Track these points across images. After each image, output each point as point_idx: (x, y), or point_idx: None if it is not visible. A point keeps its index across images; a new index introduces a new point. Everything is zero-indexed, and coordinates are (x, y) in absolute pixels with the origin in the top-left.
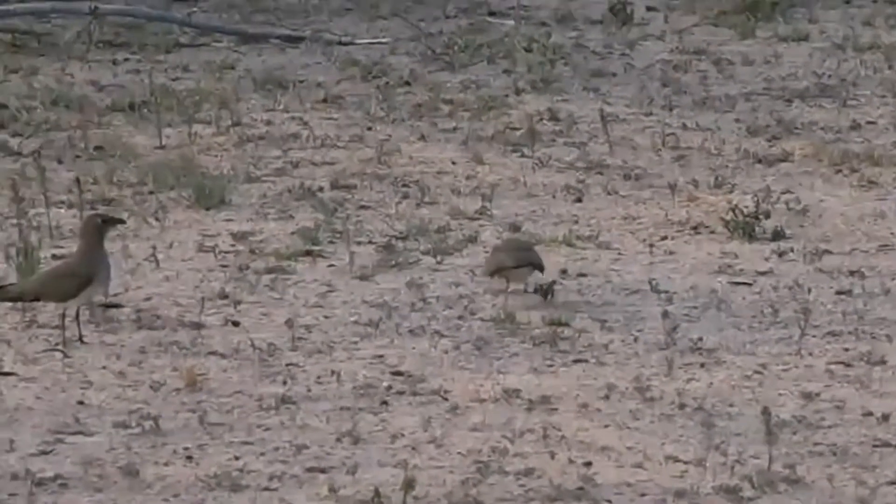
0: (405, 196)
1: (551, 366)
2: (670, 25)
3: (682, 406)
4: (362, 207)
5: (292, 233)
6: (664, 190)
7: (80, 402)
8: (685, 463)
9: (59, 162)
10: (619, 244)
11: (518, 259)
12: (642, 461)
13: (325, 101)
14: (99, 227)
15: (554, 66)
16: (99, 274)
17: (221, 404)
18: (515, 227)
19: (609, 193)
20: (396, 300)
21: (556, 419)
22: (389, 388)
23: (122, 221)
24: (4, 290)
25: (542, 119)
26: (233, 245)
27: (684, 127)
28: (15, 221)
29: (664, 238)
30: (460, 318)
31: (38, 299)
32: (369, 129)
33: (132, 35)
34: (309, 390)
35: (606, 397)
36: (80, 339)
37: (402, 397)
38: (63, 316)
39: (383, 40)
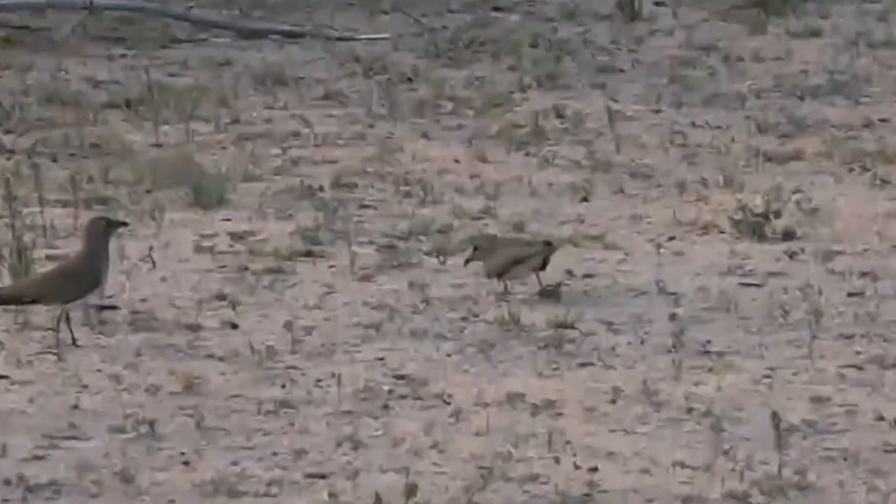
0: (407, 195)
1: (556, 369)
2: (679, 21)
3: (690, 410)
4: (364, 207)
5: (292, 233)
6: (672, 189)
7: (75, 406)
8: (693, 469)
9: (54, 160)
10: (626, 244)
11: (530, 246)
12: (649, 467)
13: (325, 97)
14: (104, 230)
15: (560, 63)
16: (105, 276)
17: (219, 408)
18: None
19: (616, 193)
20: (398, 302)
21: (561, 424)
22: (391, 391)
23: (125, 224)
24: None
25: (547, 116)
26: (231, 245)
27: (693, 125)
28: (8, 221)
29: (672, 238)
30: (464, 320)
31: (36, 301)
32: (371, 126)
33: (128, 30)
34: (309, 394)
35: (613, 401)
36: (74, 341)
37: (404, 401)
38: (59, 319)
39: (385, 36)
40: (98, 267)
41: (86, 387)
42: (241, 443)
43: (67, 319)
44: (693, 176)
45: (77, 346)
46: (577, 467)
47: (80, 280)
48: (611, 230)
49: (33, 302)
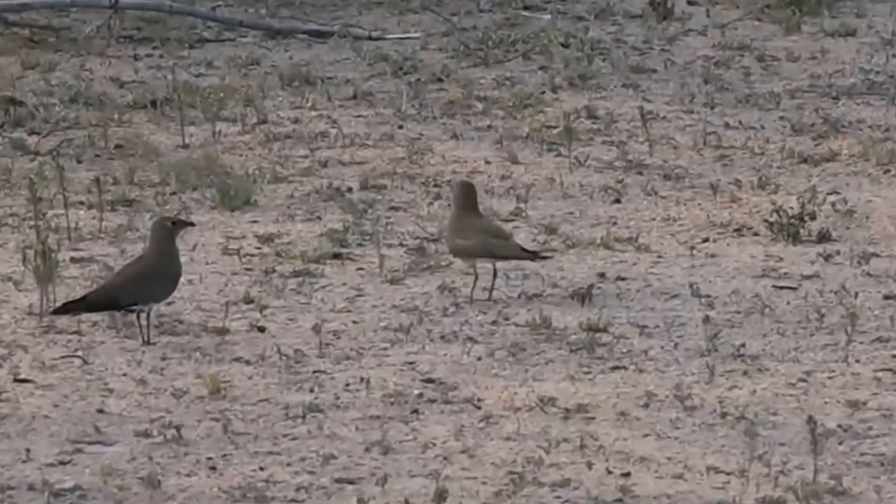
0: (437, 197)
1: (588, 373)
2: (712, 20)
3: (723, 415)
4: (393, 208)
5: (320, 235)
6: (706, 190)
7: (100, 411)
8: (727, 474)
9: (78, 161)
10: (658, 247)
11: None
12: (682, 472)
13: (354, 98)
14: (170, 230)
15: (592, 62)
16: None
17: (246, 413)
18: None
19: (649, 194)
20: (428, 305)
21: (593, 428)
22: (420, 395)
23: (191, 224)
24: (85, 300)
25: (579, 117)
26: (258, 247)
27: (727, 125)
28: (32, 222)
29: (706, 240)
30: (494, 323)
31: (132, 305)
32: (400, 127)
33: (154, 29)
34: (337, 398)
35: (646, 405)
36: (147, 341)
37: (434, 405)
38: (140, 317)
39: (414, 35)
40: (177, 266)
41: (111, 391)
42: (269, 448)
43: (148, 319)
44: (727, 177)
45: (151, 343)
46: (609, 472)
47: (169, 278)
48: (643, 232)
49: (132, 304)
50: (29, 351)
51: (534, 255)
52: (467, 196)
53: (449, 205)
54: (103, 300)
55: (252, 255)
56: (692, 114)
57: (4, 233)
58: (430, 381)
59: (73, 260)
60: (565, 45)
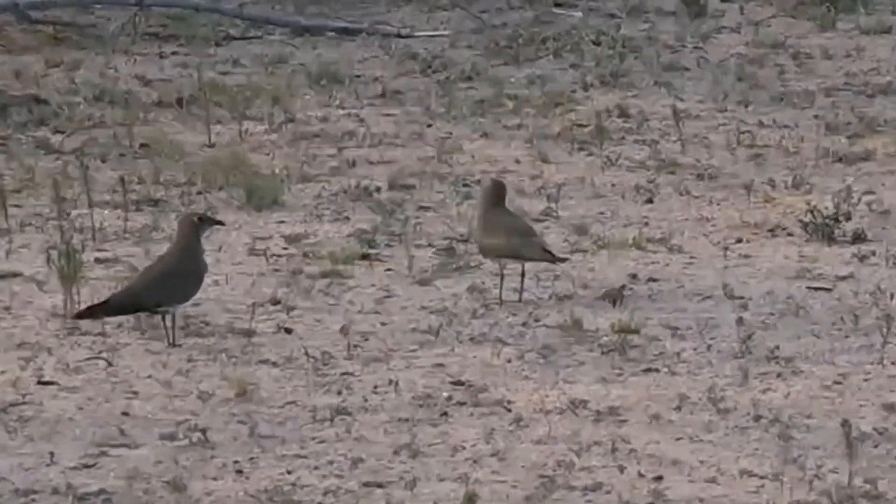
0: (467, 196)
1: (620, 375)
2: (746, 17)
3: (757, 418)
4: (422, 208)
5: (348, 235)
6: (739, 190)
7: (125, 413)
8: (761, 477)
9: (103, 160)
10: (691, 247)
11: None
12: (716, 475)
13: (382, 96)
14: (196, 225)
15: (624, 60)
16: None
17: (273, 415)
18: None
19: (681, 194)
20: (457, 306)
21: (625, 431)
22: (450, 398)
23: (220, 223)
24: (108, 303)
25: (610, 116)
26: (285, 248)
27: (760, 124)
28: (56, 222)
29: (739, 241)
30: (524, 324)
31: (158, 306)
32: (429, 126)
33: (180, 27)
34: (365, 401)
35: (678, 408)
36: (173, 343)
37: (463, 408)
38: (165, 318)
39: (444, 33)
40: (201, 263)
41: (136, 393)
42: (296, 451)
43: (173, 320)
44: (760, 177)
45: (177, 345)
46: (641, 476)
47: (195, 277)
48: (676, 232)
49: (158, 306)
50: (53, 353)
51: (553, 258)
52: (496, 194)
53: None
54: (127, 302)
55: (279, 256)
56: (725, 112)
57: (28, 233)
58: (459, 383)
59: (97, 260)
60: (597, 43)
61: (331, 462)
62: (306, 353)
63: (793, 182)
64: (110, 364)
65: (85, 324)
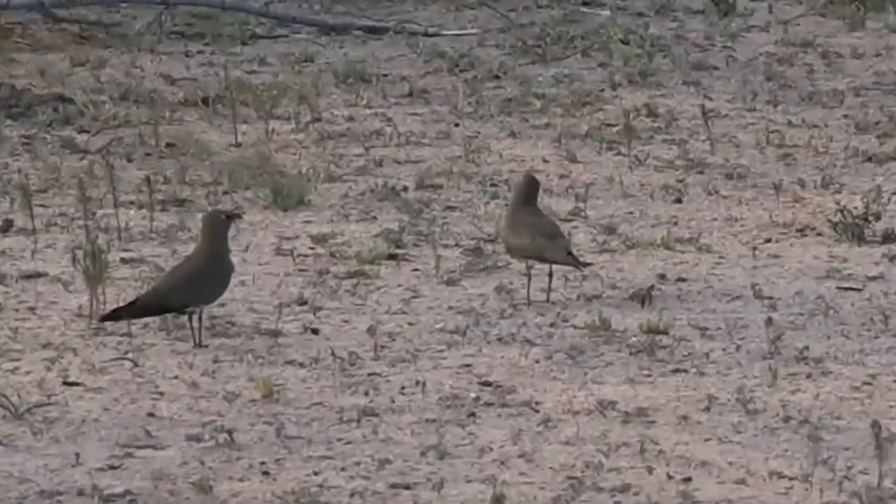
0: (494, 196)
1: (649, 376)
2: (775, 16)
3: (786, 419)
4: (449, 208)
5: (375, 235)
6: (768, 190)
7: (151, 414)
8: (790, 479)
9: (129, 160)
10: (720, 247)
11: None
12: (745, 477)
13: (409, 95)
14: (224, 223)
15: (652, 59)
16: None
17: (300, 416)
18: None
19: (710, 194)
20: (485, 306)
21: (653, 432)
22: (477, 399)
23: (238, 216)
24: (134, 305)
25: (639, 115)
26: (312, 248)
27: (790, 123)
28: (82, 222)
29: (768, 241)
30: (552, 325)
31: (185, 307)
32: (456, 125)
33: (206, 25)
34: (392, 401)
35: (707, 409)
36: (199, 343)
37: (491, 409)
38: (191, 318)
39: (471, 31)
40: (228, 263)
41: (162, 394)
42: (323, 452)
43: (200, 320)
44: (790, 177)
45: (203, 346)
46: (670, 477)
47: (222, 277)
48: (705, 232)
49: (184, 307)
50: (78, 353)
51: (576, 263)
52: (529, 191)
53: (506, 203)
54: (154, 303)
55: (306, 256)
56: (754, 112)
57: (53, 233)
58: (486, 384)
59: (123, 261)
60: (625, 42)
61: (357, 463)
62: (333, 354)
63: (822, 182)
64: (136, 365)
65: (110, 324)
